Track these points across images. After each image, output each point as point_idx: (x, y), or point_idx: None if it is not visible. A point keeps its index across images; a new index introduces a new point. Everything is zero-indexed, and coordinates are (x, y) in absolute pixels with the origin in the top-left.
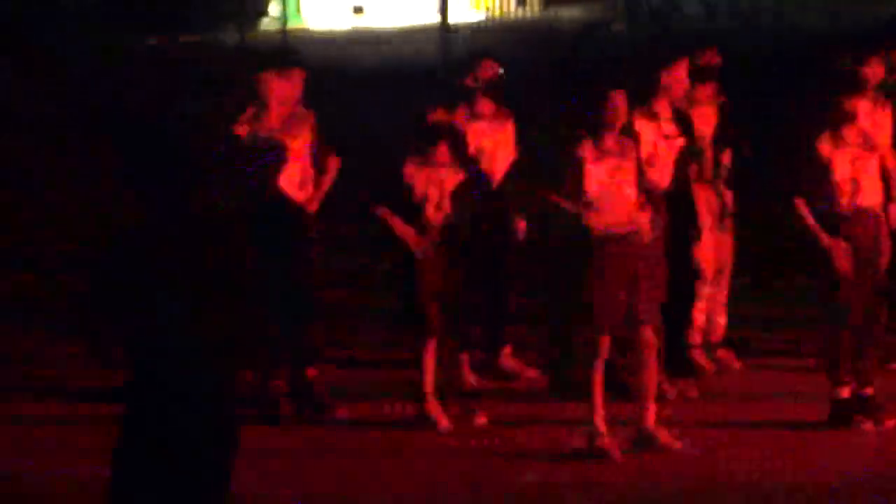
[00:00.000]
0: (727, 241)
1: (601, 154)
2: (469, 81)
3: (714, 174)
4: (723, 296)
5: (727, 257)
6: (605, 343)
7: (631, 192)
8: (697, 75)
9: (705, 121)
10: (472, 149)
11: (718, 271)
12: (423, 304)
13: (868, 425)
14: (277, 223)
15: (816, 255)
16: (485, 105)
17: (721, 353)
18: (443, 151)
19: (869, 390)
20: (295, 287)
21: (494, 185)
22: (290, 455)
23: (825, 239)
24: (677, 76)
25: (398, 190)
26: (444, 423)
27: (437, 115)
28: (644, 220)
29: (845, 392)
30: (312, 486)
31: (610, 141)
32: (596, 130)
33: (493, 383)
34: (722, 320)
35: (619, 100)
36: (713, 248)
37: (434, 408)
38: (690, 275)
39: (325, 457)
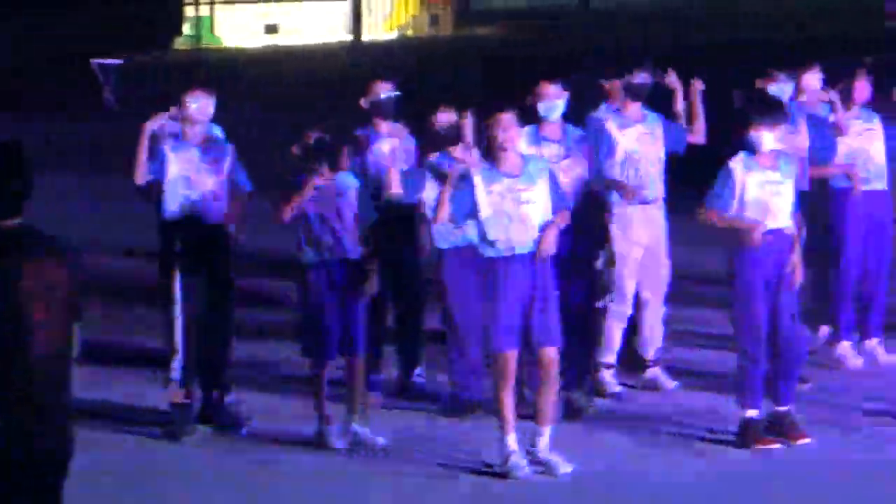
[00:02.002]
0: (661, 259)
1: (495, 175)
2: (362, 103)
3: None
4: (655, 315)
5: (662, 276)
6: (509, 363)
7: (529, 211)
8: (629, 93)
9: (638, 139)
10: (372, 167)
11: (652, 290)
12: (315, 327)
13: (777, 444)
14: (195, 240)
15: (731, 274)
16: (379, 124)
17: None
18: (326, 170)
19: (783, 408)
20: (212, 305)
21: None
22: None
23: (742, 220)
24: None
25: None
26: (340, 443)
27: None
28: (546, 240)
29: (753, 412)
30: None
31: (505, 162)
32: (490, 152)
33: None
34: (656, 339)
35: (507, 121)
36: (648, 267)
37: (331, 429)
38: (594, 295)
39: (232, 476)
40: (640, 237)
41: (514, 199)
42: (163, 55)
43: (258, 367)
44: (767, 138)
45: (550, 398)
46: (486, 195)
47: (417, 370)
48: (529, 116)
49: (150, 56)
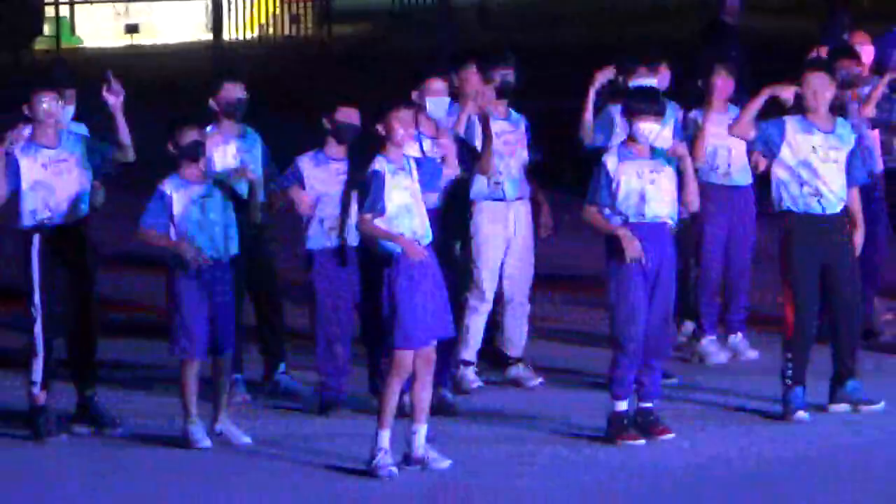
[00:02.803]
0: (526, 257)
1: (395, 169)
2: (211, 103)
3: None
4: (519, 313)
5: (527, 274)
6: (407, 360)
7: (418, 204)
8: (497, 90)
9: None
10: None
11: (516, 287)
12: (182, 325)
13: (641, 439)
14: (58, 240)
15: (608, 269)
16: (228, 126)
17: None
18: (191, 172)
19: (648, 404)
20: (77, 305)
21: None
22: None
23: (617, 230)
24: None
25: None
26: (205, 442)
27: (188, 135)
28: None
29: (622, 405)
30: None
31: (396, 157)
32: (383, 146)
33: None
34: (519, 337)
35: (404, 116)
36: (512, 265)
37: (196, 428)
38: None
39: (96, 476)
40: (503, 234)
41: (415, 194)
42: (22, 56)
43: (128, 366)
44: (644, 130)
45: (427, 395)
46: (392, 190)
47: (280, 368)
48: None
49: (10, 56)
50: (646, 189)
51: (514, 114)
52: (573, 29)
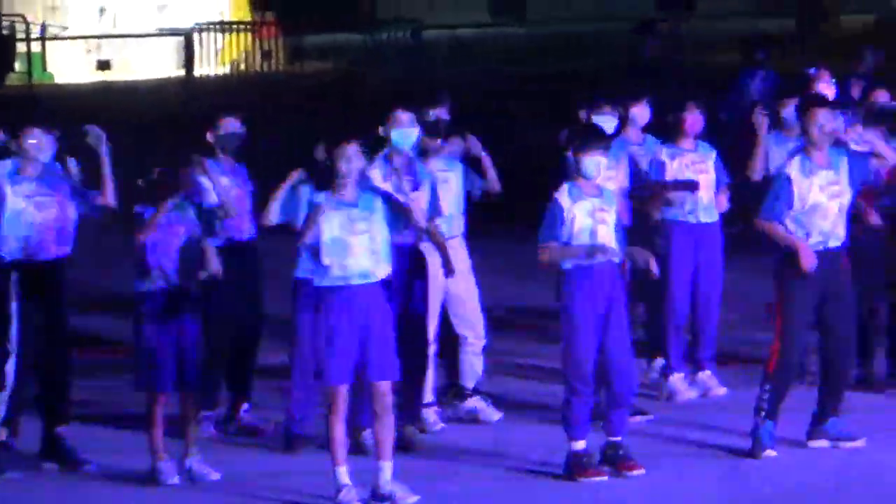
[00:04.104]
0: (470, 294)
1: (337, 203)
2: (208, 136)
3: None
4: (474, 350)
5: (473, 310)
6: (340, 397)
7: (364, 241)
8: (425, 130)
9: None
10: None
11: (466, 326)
12: (148, 360)
13: (604, 476)
14: (33, 278)
15: (561, 309)
16: (224, 160)
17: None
18: (166, 207)
19: (616, 439)
20: (48, 343)
21: (244, 238)
22: None
23: (580, 250)
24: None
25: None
26: (173, 479)
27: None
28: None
29: (579, 444)
30: None
31: (347, 191)
32: (330, 181)
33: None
34: (475, 372)
35: (352, 152)
36: (458, 304)
37: (164, 465)
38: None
39: None
40: (437, 276)
41: (351, 229)
42: None
43: (96, 403)
44: (592, 165)
45: (388, 432)
46: (327, 223)
47: (245, 406)
48: (381, 145)
49: None
50: (597, 228)
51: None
52: (549, 61)
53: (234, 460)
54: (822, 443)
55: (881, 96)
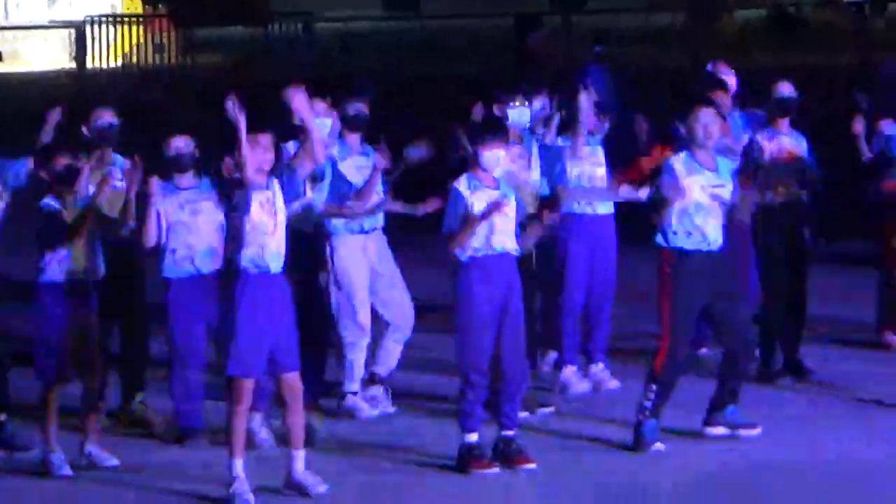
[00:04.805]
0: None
1: (256, 193)
2: (84, 130)
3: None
4: (396, 339)
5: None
6: (247, 389)
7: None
8: (345, 123)
9: (353, 172)
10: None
11: (394, 314)
12: (39, 352)
13: (496, 468)
14: None
15: (455, 301)
16: (103, 153)
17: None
18: (70, 194)
19: (509, 433)
20: None
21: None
22: None
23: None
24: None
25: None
26: (65, 470)
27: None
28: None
29: (472, 437)
30: None
31: (257, 178)
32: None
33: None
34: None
35: (264, 141)
36: (385, 294)
37: (56, 457)
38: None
39: None
40: (363, 265)
41: (271, 215)
42: None
43: None
44: (491, 157)
45: (299, 421)
46: (252, 211)
47: (138, 397)
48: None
49: None
50: (494, 220)
51: (368, 148)
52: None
53: (127, 453)
54: (719, 429)
55: (784, 88)
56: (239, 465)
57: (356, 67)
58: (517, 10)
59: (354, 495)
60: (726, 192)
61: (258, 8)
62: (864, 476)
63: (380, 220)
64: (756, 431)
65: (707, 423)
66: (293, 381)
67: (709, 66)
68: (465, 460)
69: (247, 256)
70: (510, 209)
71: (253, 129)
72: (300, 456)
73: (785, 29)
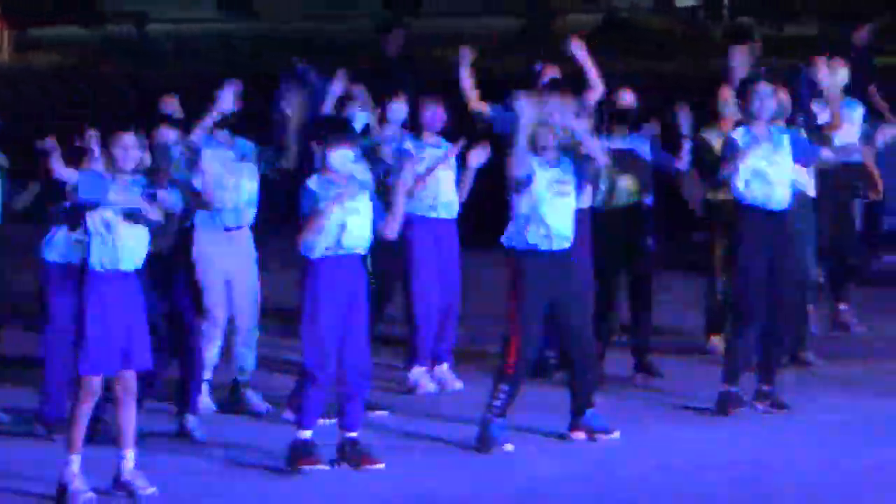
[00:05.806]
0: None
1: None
2: None
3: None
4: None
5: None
6: (93, 385)
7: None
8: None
9: (225, 165)
10: None
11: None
12: None
13: (323, 466)
14: None
15: (301, 299)
16: None
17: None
18: None
19: (352, 434)
20: None
21: None
22: None
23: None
24: None
25: None
26: None
27: None
28: None
29: (306, 433)
30: None
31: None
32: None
33: None
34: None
35: (129, 141)
36: (237, 293)
37: None
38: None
39: None
40: (224, 264)
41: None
42: None
43: None
44: (338, 158)
45: (131, 419)
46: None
47: None
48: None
49: None
50: (346, 220)
51: (239, 142)
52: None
53: None
54: (580, 434)
55: (625, 96)
56: (76, 462)
57: (189, 69)
58: (354, 14)
59: (194, 496)
60: (572, 189)
61: (90, 8)
62: None
63: (247, 217)
64: (615, 435)
65: (571, 428)
66: (131, 377)
67: (537, 67)
68: (295, 456)
69: (96, 255)
70: (363, 207)
71: (114, 128)
72: (130, 455)
73: (618, 33)
